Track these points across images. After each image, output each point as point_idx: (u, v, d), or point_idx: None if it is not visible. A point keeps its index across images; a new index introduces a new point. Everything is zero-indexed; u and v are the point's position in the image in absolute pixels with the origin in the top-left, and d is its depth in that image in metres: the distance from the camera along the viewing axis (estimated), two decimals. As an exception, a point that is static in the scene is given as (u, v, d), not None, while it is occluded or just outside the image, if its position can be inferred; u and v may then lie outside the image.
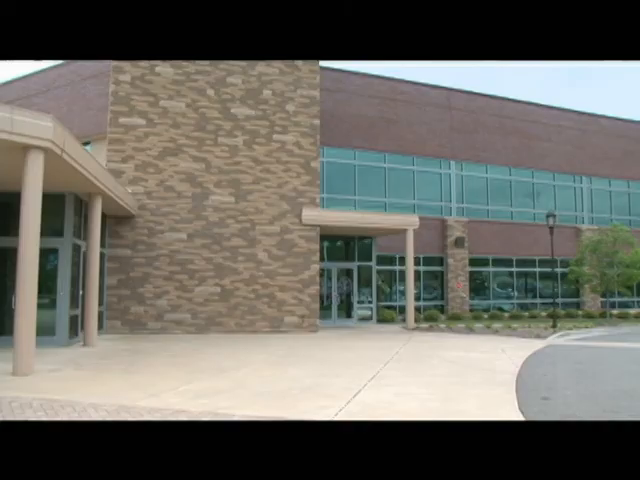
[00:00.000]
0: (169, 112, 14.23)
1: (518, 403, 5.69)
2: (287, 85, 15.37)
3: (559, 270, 22.71)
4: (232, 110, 14.76)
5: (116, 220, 13.63)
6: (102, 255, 12.68)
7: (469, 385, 6.72)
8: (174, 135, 14.22)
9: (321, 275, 16.43)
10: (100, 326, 12.46)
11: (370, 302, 18.11)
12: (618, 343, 12.82)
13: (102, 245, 12.52)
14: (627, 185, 25.75)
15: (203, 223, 14.23)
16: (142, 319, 13.54)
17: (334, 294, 17.45)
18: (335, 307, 17.46)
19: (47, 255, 10.82)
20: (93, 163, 9.38)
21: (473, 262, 21.57)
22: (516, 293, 22.74)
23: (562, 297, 23.46)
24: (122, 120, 13.89)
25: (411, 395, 6.03)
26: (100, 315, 12.48)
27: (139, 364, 8.29)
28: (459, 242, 20.84)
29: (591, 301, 23.73)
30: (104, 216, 12.16)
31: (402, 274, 18.95)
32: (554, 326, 16.82)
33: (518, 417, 5.06)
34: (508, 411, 5.30)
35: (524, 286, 23.01)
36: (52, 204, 10.53)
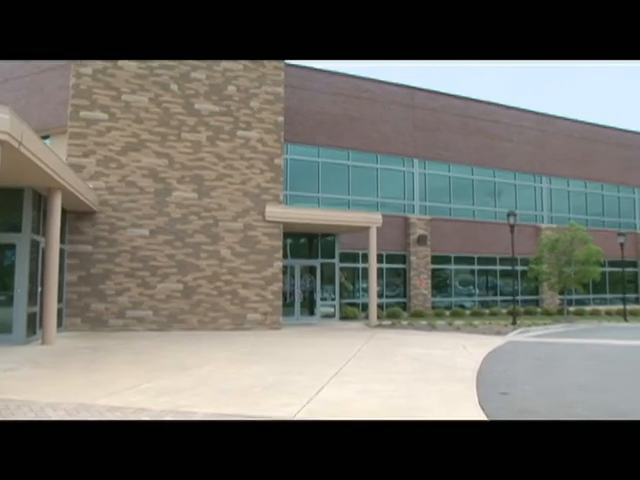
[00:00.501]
0: (132, 107, 14.03)
1: (478, 399, 5.77)
2: (252, 81, 15.30)
3: (519, 268, 23.10)
4: (196, 106, 14.63)
5: (77, 216, 13.39)
6: (62, 251, 12.45)
7: (431, 382, 6.79)
8: (137, 130, 14.03)
9: (284, 272, 16.42)
10: (59, 324, 12.24)
11: (333, 299, 18.16)
12: (574, 339, 13.11)
13: (62, 241, 12.29)
14: (584, 185, 26.33)
15: (165, 219, 14.08)
16: (103, 316, 13.34)
17: (297, 291, 17.45)
18: (298, 304, 17.46)
19: (4, 251, 10.59)
20: (52, 157, 9.20)
21: (435, 260, 21.80)
22: (477, 291, 23.07)
23: (522, 295, 23.88)
24: (83, 114, 13.65)
25: (373, 392, 6.07)
26: (59, 312, 12.26)
27: (99, 362, 8.17)
28: (422, 240, 21.04)
29: (549, 298, 24.22)
30: (64, 211, 11.94)
31: (365, 271, 19.07)
32: (514, 323, 17.11)
33: (478, 412, 5.14)
34: (469, 407, 5.38)
35: (485, 284, 23.36)
36: (10, 199, 10.30)
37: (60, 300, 12.45)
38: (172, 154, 14.28)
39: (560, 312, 22.87)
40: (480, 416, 5.01)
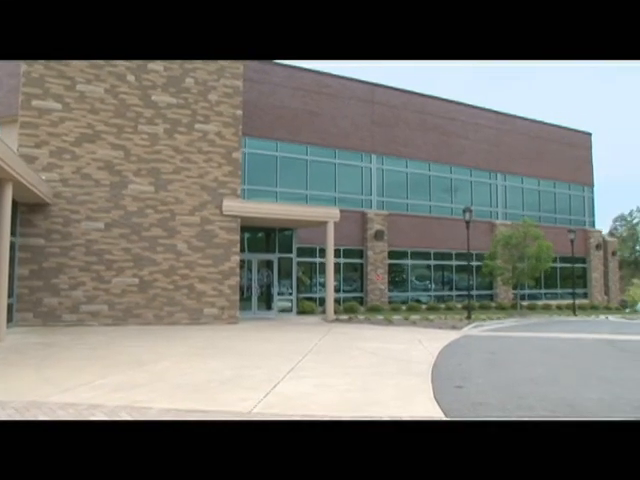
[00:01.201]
0: (87, 97, 13.74)
1: (433, 392, 5.86)
2: (210, 74, 15.15)
3: (474, 263, 23.51)
4: (153, 97, 14.42)
5: (29, 208, 13.07)
6: (12, 244, 12.15)
7: (387, 375, 6.87)
8: (92, 121, 13.75)
9: (241, 267, 16.35)
10: (9, 319, 11.94)
11: (290, 294, 18.17)
12: (526, 333, 13.42)
13: (13, 234, 11.99)
14: (538, 183, 26.90)
15: (121, 212, 13.85)
16: (56, 311, 13.06)
17: (254, 285, 17.40)
18: (255, 299, 17.41)
19: (-48, 244, 10.27)
20: (2, 147, 8.96)
21: (392, 255, 21.99)
22: (433, 285, 23.37)
23: (477, 289, 24.29)
24: (35, 103, 13.30)
25: (330, 386, 6.11)
26: (9, 307, 11.96)
27: (52, 358, 8.01)
28: (379, 235, 21.19)
29: (503, 293, 24.70)
30: (15, 204, 11.64)
31: (322, 266, 19.11)
32: (469, 317, 17.41)
33: (433, 406, 5.22)
34: (424, 400, 5.46)
35: (441, 279, 23.68)
36: (-42, 190, 9.98)
37: (10, 295, 12.15)
38: (128, 146, 14.05)
39: (514, 307, 23.35)
40: (435, 409, 5.09)
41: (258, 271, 17.49)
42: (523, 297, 24.87)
